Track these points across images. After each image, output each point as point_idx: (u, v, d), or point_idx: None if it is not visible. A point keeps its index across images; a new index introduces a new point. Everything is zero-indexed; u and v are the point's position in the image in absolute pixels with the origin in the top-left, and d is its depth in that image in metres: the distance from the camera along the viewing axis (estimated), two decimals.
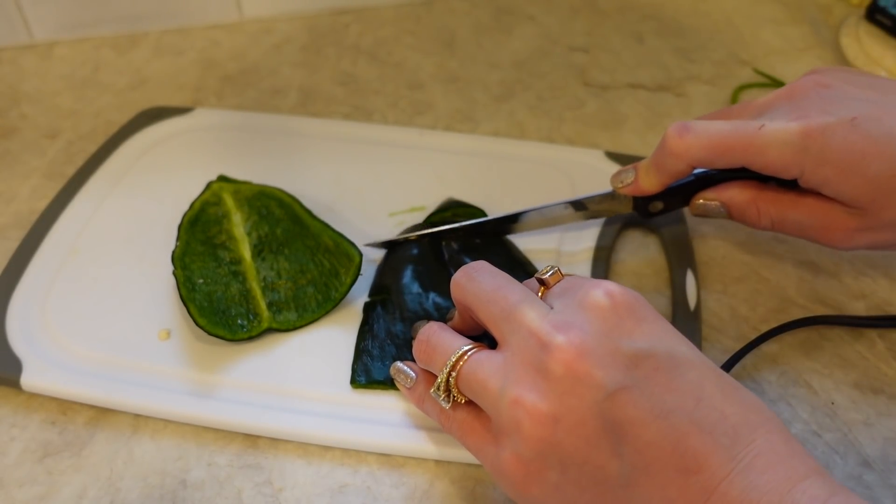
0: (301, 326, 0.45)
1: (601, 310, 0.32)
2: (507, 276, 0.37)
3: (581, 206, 0.47)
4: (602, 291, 0.33)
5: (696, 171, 0.44)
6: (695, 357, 0.33)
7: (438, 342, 0.37)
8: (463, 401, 0.36)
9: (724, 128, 0.41)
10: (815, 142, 0.39)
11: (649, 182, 0.44)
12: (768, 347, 0.45)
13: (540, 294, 0.36)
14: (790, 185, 0.42)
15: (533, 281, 0.37)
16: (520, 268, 0.47)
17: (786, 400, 0.43)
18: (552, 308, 0.34)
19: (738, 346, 0.44)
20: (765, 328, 0.45)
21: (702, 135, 0.41)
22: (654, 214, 0.46)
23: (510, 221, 0.48)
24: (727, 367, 0.42)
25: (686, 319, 0.45)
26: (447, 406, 0.36)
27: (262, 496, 0.39)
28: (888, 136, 0.38)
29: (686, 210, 0.52)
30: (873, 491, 0.39)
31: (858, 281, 0.48)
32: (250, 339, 0.44)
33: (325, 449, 0.41)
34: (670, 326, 0.34)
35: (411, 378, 0.39)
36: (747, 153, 0.40)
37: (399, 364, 0.40)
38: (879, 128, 0.39)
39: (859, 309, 0.47)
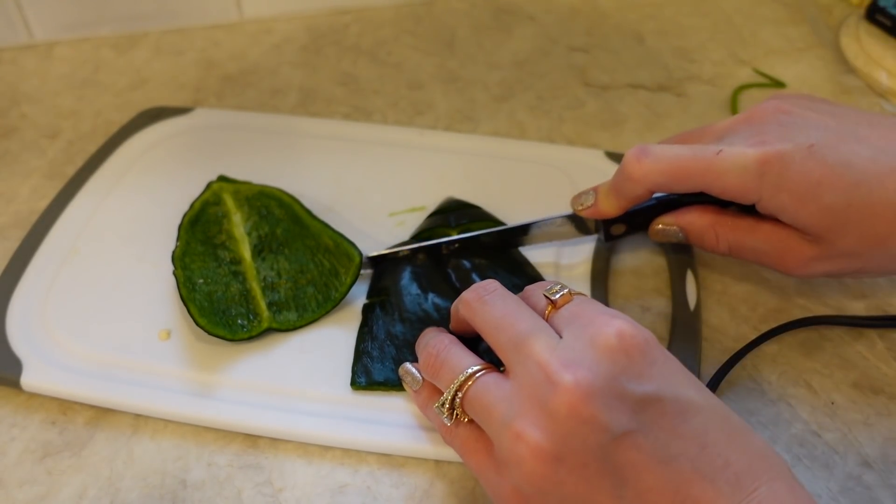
0: (301, 326, 0.45)
1: (612, 350, 0.32)
2: (518, 300, 0.36)
3: (540, 229, 0.47)
4: (614, 331, 0.32)
5: (656, 195, 0.44)
6: (702, 401, 0.32)
7: (448, 358, 0.37)
8: (466, 419, 0.36)
9: (683, 153, 0.40)
10: (773, 168, 0.39)
11: (609, 205, 0.43)
12: (768, 347, 0.45)
13: (547, 312, 0.36)
14: (749, 211, 0.42)
15: (541, 296, 0.37)
16: (520, 268, 0.47)
17: (786, 400, 0.43)
18: (561, 337, 0.33)
19: (738, 346, 0.44)
20: (765, 328, 0.45)
21: (661, 159, 0.40)
22: (617, 237, 0.46)
23: (479, 239, 0.47)
24: (727, 367, 0.42)
25: (686, 319, 0.45)
26: (450, 423, 0.36)
27: (262, 496, 0.39)
28: (843, 165, 0.38)
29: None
30: (873, 491, 0.39)
31: (858, 281, 0.48)
32: (250, 339, 0.44)
33: (325, 449, 0.41)
34: (680, 367, 0.33)
35: (418, 381, 0.39)
36: (705, 178, 0.40)
37: (408, 366, 0.40)
38: (835, 155, 0.38)
39: (859, 309, 0.47)
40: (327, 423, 0.41)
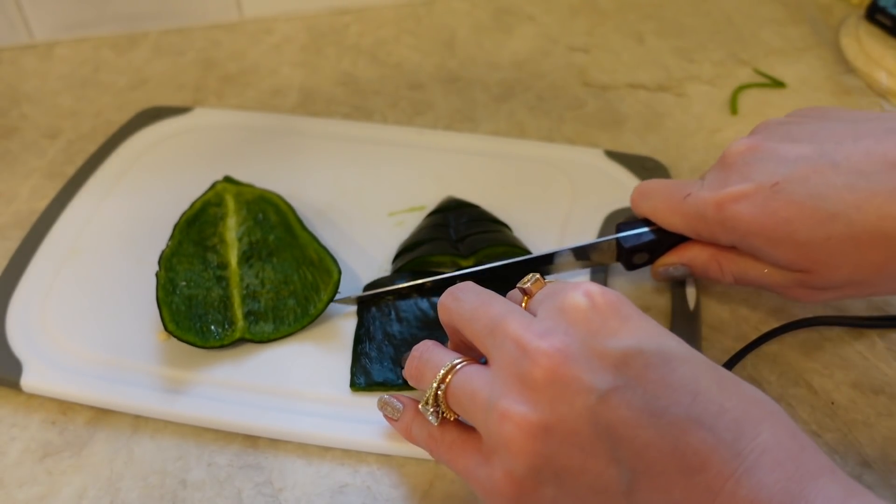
0: (276, 339, 0.44)
1: (582, 311, 0.31)
2: (491, 292, 0.36)
3: (562, 258, 0.46)
4: (581, 293, 0.32)
5: None
6: (686, 352, 0.31)
7: (429, 358, 0.36)
8: (452, 417, 0.35)
9: (662, 191, 0.42)
10: (728, 212, 0.38)
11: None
12: (768, 347, 0.45)
13: (524, 303, 0.36)
14: None
15: (516, 291, 0.37)
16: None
17: (786, 400, 0.43)
18: (535, 316, 0.33)
19: (738, 346, 0.44)
20: (765, 328, 0.45)
21: (649, 196, 0.43)
22: (638, 266, 0.45)
23: (495, 270, 0.46)
24: (727, 367, 0.42)
25: (686, 319, 0.45)
26: (436, 422, 0.35)
27: (262, 496, 0.39)
28: (814, 198, 0.36)
29: None
30: (873, 491, 0.38)
31: None
32: (222, 347, 0.43)
33: (325, 449, 0.41)
34: (656, 323, 0.32)
35: (398, 409, 0.38)
36: (675, 222, 0.42)
37: (385, 397, 0.39)
38: (805, 190, 0.37)
39: (859, 309, 0.47)
40: (327, 423, 0.41)
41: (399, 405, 0.38)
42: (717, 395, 0.30)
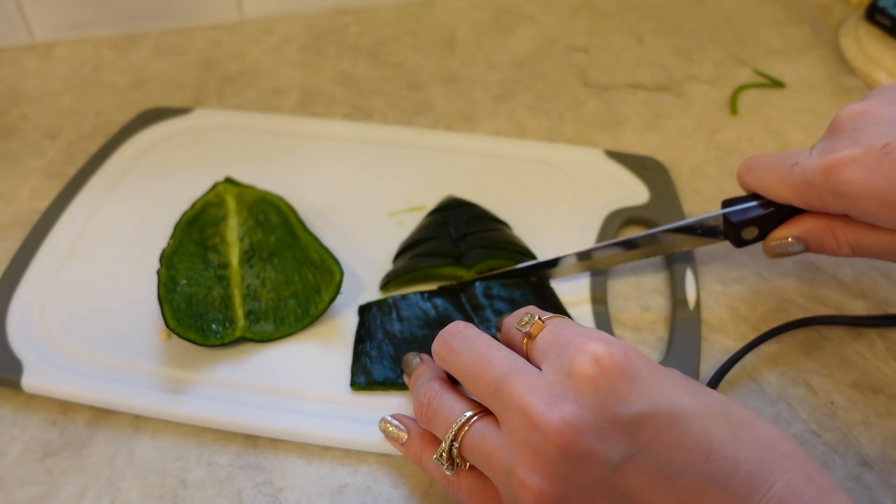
0: (276, 339, 0.44)
1: (592, 378, 0.30)
2: (488, 339, 0.35)
3: (662, 238, 0.45)
4: (589, 357, 0.31)
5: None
6: (696, 405, 0.31)
7: (440, 407, 0.36)
8: (467, 466, 0.35)
9: (769, 162, 0.41)
10: (837, 178, 0.37)
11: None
12: (768, 347, 0.45)
13: (525, 345, 0.35)
14: None
15: (516, 331, 0.36)
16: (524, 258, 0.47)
17: (785, 400, 0.43)
18: (540, 370, 0.33)
19: (738, 346, 0.44)
20: (765, 328, 0.45)
21: (755, 169, 0.42)
22: (748, 242, 0.44)
23: (582, 258, 0.46)
24: (727, 367, 0.42)
25: (686, 319, 0.45)
26: (451, 473, 0.35)
27: (262, 496, 0.39)
28: None
29: (687, 211, 0.52)
30: (873, 491, 0.39)
31: (858, 281, 0.48)
32: (223, 345, 0.43)
33: (325, 449, 0.41)
34: (666, 375, 0.32)
35: (404, 434, 0.38)
36: (783, 192, 0.40)
37: (387, 417, 0.39)
38: None
39: (859, 309, 0.47)
40: (327, 423, 0.41)
41: (402, 427, 0.38)
42: (730, 449, 0.30)
